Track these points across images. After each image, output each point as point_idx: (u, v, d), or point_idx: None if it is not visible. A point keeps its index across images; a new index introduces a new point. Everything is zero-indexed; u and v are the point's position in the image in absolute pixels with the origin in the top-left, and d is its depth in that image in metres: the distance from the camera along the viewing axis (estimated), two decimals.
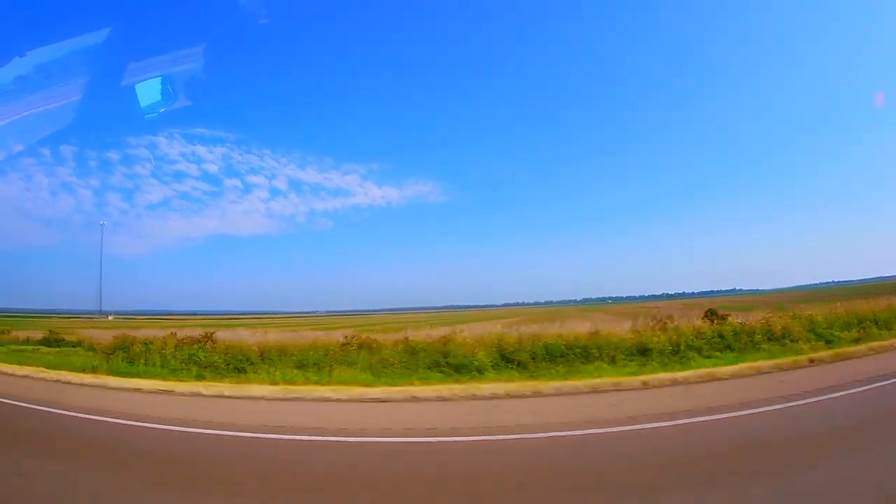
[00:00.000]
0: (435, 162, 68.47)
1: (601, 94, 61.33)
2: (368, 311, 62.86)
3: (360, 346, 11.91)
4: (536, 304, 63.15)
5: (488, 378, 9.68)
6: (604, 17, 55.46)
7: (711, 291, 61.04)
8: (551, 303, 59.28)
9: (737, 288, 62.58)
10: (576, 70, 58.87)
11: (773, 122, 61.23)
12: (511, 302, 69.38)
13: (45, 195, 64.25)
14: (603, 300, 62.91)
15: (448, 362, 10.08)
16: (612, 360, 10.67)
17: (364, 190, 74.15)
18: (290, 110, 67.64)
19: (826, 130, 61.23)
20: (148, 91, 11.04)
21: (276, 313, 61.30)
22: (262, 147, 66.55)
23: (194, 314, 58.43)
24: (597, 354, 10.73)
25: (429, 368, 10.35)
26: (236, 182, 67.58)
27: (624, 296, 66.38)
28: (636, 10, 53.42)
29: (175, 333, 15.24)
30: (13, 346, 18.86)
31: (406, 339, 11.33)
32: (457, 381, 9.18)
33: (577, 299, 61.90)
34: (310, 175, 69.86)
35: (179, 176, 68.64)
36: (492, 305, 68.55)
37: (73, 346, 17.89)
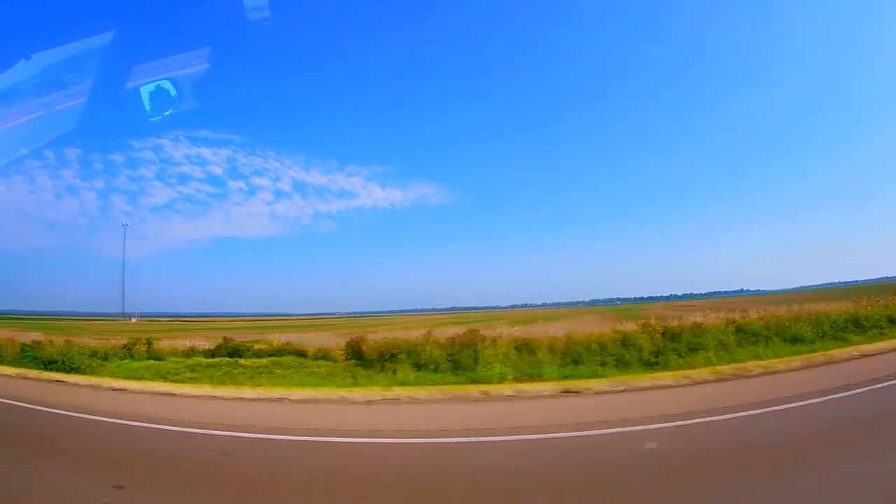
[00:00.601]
0: (438, 164, 70.33)
1: (608, 94, 66.20)
2: (378, 312, 62.03)
3: (664, 334, 13.49)
4: (544, 305, 65.42)
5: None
6: (609, 16, 60.62)
7: (718, 292, 66.75)
8: (559, 304, 61.83)
9: (744, 289, 68.62)
10: (580, 71, 63.39)
11: (780, 123, 68.67)
12: (518, 303, 71.15)
13: (49, 197, 58.44)
14: (611, 301, 66.49)
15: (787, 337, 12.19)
16: (882, 329, 13.38)
17: (368, 192, 74.27)
18: (294, 112, 67.00)
19: (833, 131, 69.33)
20: (153, 94, 11.29)
21: (285, 315, 58.78)
22: (266, 149, 65.41)
23: (206, 316, 54.88)
24: (867, 325, 13.38)
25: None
26: (241, 184, 65.43)
27: (632, 297, 70.54)
28: (639, 11, 59.01)
29: (431, 333, 15.33)
30: (188, 360, 15.14)
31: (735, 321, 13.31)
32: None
33: (585, 300, 65.04)
34: (314, 177, 69.31)
35: (184, 178, 65.01)
36: (497, 307, 70.06)
37: (277, 356, 16.60)
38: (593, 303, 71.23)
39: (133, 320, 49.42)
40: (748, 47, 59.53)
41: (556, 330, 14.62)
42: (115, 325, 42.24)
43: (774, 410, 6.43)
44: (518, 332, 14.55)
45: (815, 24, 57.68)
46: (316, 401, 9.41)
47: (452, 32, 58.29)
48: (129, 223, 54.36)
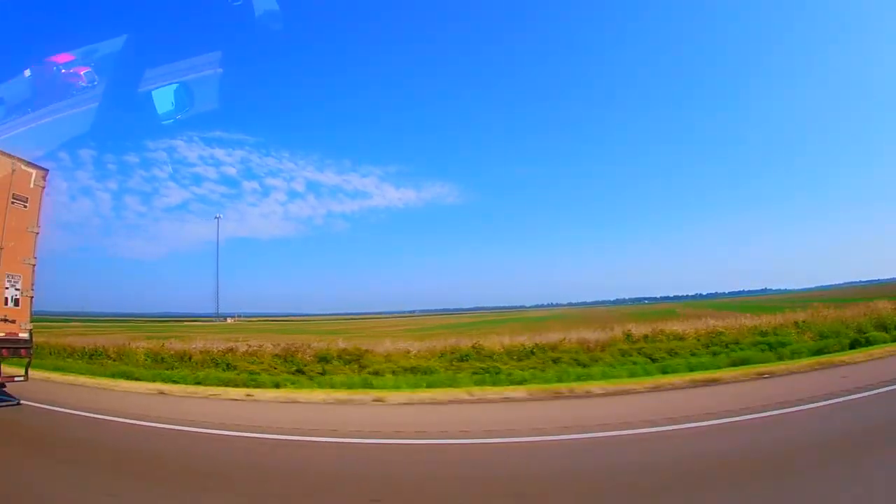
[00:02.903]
0: (453, 164, 70.44)
1: (627, 94, 64.48)
2: (401, 312, 63.41)
3: None
4: (570, 304, 65.23)
5: None
6: (626, 18, 58.57)
7: (742, 291, 64.55)
8: (585, 303, 61.44)
9: (767, 288, 66.18)
10: (599, 73, 61.89)
11: (807, 126, 64.97)
12: (543, 303, 71.36)
13: (64, 199, 62.15)
14: (638, 300, 65.69)
15: None
16: None
17: (382, 192, 75.17)
18: (308, 113, 68.16)
19: (855, 135, 65.35)
20: (165, 98, 11.26)
21: (304, 316, 60.84)
22: (280, 149, 66.94)
23: (235, 316, 57.82)
24: None
25: None
26: (255, 185, 67.41)
27: (658, 296, 69.36)
28: (657, 13, 56.66)
29: None
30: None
31: None
32: None
33: (611, 300, 64.35)
34: (328, 177, 70.45)
35: (198, 179, 67.67)
36: (522, 307, 70.28)
37: None
38: (619, 302, 69.92)
39: (230, 321, 51.32)
40: (764, 53, 55.72)
41: None
42: (224, 325, 42.04)
43: None
44: None
45: (834, 35, 53.21)
46: None
47: (467, 35, 57.83)
48: (221, 216, 55.42)
